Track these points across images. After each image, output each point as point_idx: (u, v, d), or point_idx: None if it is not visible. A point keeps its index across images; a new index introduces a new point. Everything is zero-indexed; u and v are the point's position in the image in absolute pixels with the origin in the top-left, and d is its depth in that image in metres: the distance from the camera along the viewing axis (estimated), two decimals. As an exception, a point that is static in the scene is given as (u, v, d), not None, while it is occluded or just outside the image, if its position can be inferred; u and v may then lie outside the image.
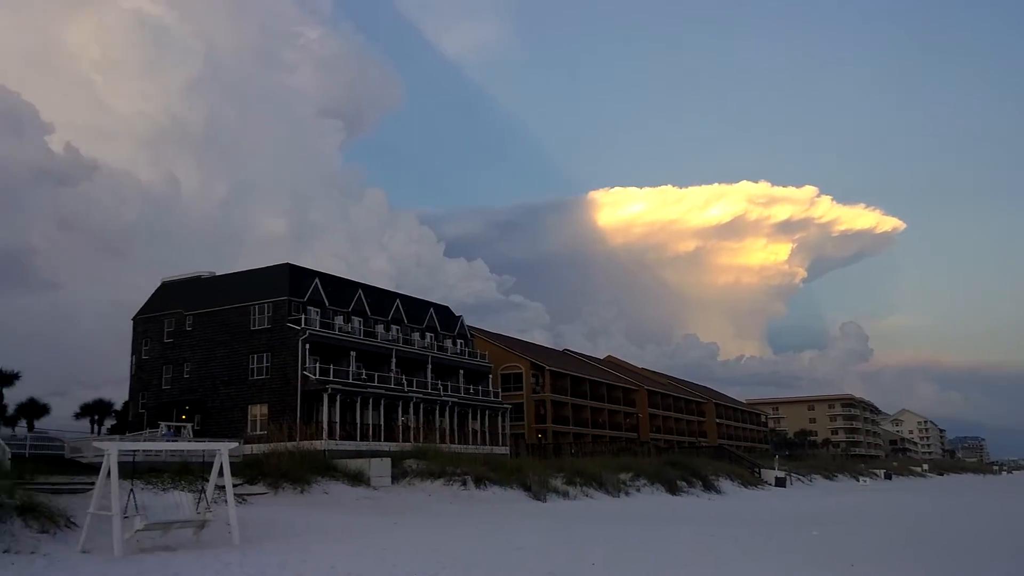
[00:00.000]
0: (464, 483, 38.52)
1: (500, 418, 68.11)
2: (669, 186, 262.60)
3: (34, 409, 68.26)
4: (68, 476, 26.44)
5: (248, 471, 32.22)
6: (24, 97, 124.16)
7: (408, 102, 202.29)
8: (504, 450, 65.76)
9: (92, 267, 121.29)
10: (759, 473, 76.53)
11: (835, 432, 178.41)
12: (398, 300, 64.15)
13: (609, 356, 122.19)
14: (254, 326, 54.01)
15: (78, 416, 73.26)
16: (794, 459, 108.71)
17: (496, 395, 69.63)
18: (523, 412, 79.04)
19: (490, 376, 70.73)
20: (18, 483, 19.68)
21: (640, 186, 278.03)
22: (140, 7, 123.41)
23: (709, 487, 56.51)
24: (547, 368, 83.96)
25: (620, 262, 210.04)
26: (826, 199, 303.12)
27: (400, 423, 56.28)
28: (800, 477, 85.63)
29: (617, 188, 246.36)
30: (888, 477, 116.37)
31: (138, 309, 60.29)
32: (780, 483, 73.54)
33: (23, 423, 66.05)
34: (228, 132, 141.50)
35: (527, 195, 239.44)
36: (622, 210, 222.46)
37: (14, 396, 66.44)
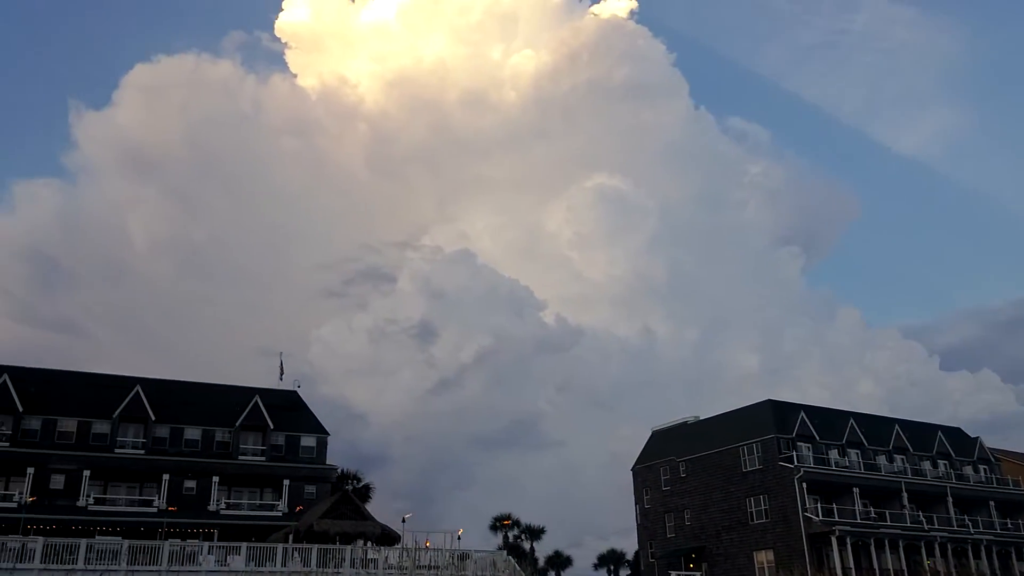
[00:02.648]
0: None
1: (1059, 559, 55.53)
2: None
3: (559, 561, 75.85)
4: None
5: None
6: (521, 282, 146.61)
7: (868, 211, 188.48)
8: (1074, 600, 53.15)
9: (588, 423, 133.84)
10: None
11: None
12: (896, 426, 58.10)
13: None
14: (745, 468, 53.21)
15: (596, 567, 79.23)
16: None
17: (1047, 530, 57.33)
18: (1090, 550, 63.44)
19: (1032, 507, 58.83)
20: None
21: None
22: (601, 183, 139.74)
23: None
24: (1113, 492, 66.84)
25: None
26: None
27: (927, 568, 49.26)
28: None
29: None
30: None
31: (634, 459, 63.91)
32: None
33: (551, 575, 73.42)
34: (689, 278, 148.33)
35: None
36: None
37: (542, 549, 74.78)
